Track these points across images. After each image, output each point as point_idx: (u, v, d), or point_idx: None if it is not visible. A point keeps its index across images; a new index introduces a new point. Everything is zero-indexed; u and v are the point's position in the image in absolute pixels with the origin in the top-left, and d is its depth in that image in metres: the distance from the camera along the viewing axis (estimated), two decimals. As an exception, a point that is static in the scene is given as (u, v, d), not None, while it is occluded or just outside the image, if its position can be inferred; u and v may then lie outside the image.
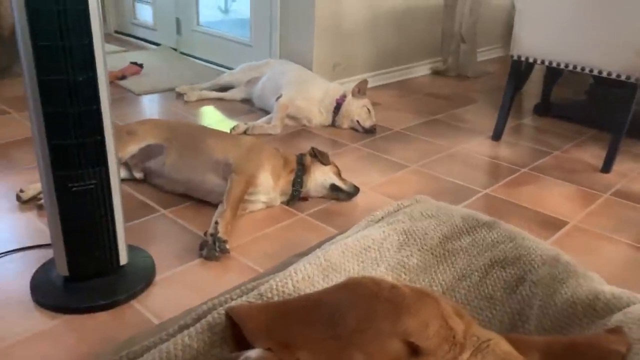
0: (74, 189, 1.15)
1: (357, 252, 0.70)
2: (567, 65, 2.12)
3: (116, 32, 4.00)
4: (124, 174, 1.80)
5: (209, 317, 0.60)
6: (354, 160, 2.10)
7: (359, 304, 0.56)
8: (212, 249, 1.42)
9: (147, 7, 3.75)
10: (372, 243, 0.71)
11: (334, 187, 1.76)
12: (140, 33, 3.83)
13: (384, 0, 2.99)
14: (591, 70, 2.06)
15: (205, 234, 1.48)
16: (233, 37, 3.20)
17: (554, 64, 2.14)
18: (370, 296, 0.56)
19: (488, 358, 0.54)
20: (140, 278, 1.32)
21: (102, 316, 1.20)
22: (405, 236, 0.73)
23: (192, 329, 0.59)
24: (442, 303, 0.58)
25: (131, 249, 1.37)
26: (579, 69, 2.09)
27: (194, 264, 1.41)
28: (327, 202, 1.76)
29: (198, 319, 0.62)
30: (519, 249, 0.71)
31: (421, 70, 3.44)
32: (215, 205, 1.59)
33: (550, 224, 1.69)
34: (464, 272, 0.71)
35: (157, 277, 1.35)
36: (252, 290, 0.67)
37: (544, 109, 2.73)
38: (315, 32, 2.71)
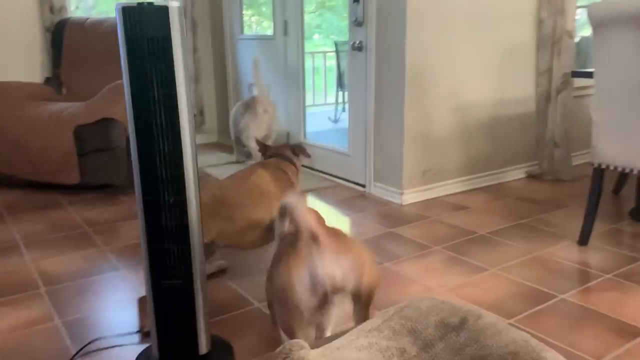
0: (165, 285, 1.44)
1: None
2: (648, 172, 2.15)
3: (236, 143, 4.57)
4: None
5: None
6: (436, 262, 2.24)
7: None
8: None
9: (263, 122, 4.30)
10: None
11: None
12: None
13: (472, 109, 3.21)
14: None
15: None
16: (333, 147, 3.57)
17: (635, 171, 2.18)
18: None
19: None
20: (219, 367, 1.55)
21: (196, 392, 1.43)
22: (389, 352, 0.88)
23: None
24: None
25: (216, 340, 1.61)
26: (661, 176, 2.11)
27: None
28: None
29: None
30: (482, 349, 0.84)
31: (515, 174, 3.53)
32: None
33: (628, 332, 1.69)
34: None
35: (242, 364, 1.57)
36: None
37: (639, 213, 2.69)
38: (405, 141, 2.97)
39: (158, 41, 1.28)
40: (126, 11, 1.25)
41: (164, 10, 1.26)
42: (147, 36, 1.27)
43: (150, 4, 1.25)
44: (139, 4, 1.25)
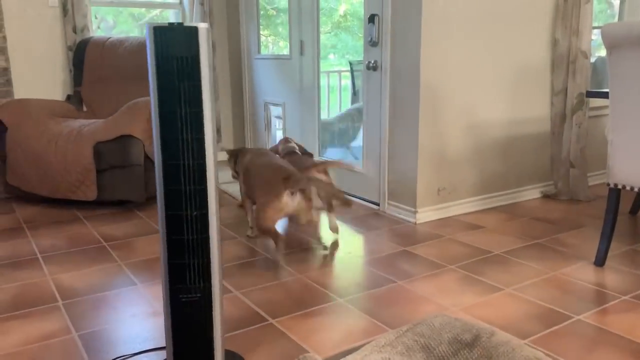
0: (183, 299, 1.46)
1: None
2: (665, 193, 2.13)
3: (252, 161, 4.62)
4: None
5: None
6: (450, 281, 2.24)
7: None
8: None
9: (278, 140, 4.34)
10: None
11: None
12: (272, 162, 4.40)
13: (487, 128, 3.21)
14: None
15: None
16: (347, 165, 3.59)
17: (652, 192, 2.17)
18: None
19: None
20: (235, 381, 1.56)
21: (210, 407, 1.44)
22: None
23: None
24: None
25: (230, 355, 1.62)
26: (678, 197, 2.09)
27: (290, 369, 1.62)
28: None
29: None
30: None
31: (531, 194, 3.51)
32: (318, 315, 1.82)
33: (644, 354, 1.67)
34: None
35: (258, 378, 1.57)
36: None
37: (657, 234, 2.66)
38: (419, 160, 2.98)
39: (187, 60, 1.32)
40: (157, 31, 1.30)
41: (194, 31, 1.31)
42: (176, 55, 1.31)
43: (180, 24, 1.30)
44: (170, 24, 1.30)
